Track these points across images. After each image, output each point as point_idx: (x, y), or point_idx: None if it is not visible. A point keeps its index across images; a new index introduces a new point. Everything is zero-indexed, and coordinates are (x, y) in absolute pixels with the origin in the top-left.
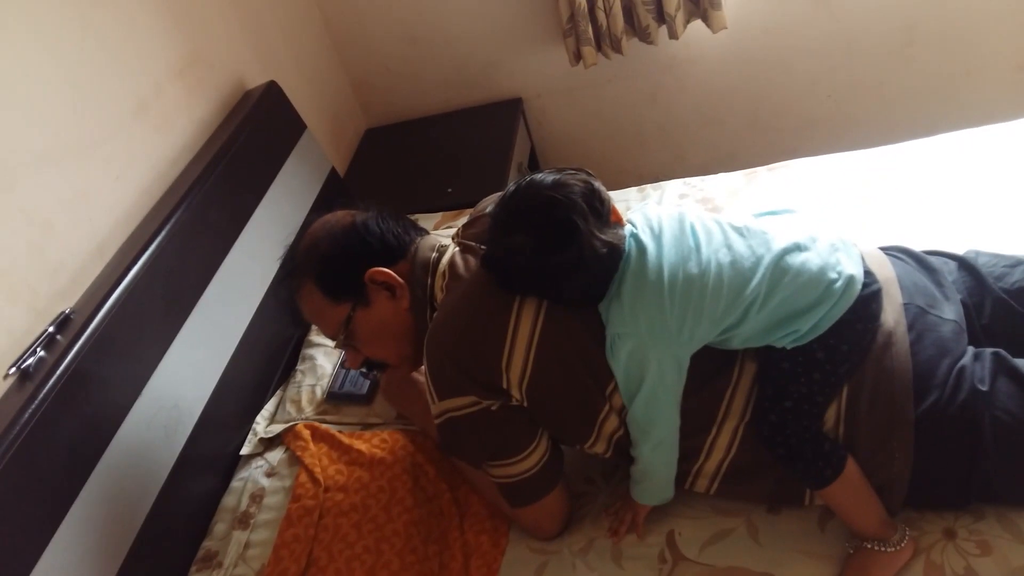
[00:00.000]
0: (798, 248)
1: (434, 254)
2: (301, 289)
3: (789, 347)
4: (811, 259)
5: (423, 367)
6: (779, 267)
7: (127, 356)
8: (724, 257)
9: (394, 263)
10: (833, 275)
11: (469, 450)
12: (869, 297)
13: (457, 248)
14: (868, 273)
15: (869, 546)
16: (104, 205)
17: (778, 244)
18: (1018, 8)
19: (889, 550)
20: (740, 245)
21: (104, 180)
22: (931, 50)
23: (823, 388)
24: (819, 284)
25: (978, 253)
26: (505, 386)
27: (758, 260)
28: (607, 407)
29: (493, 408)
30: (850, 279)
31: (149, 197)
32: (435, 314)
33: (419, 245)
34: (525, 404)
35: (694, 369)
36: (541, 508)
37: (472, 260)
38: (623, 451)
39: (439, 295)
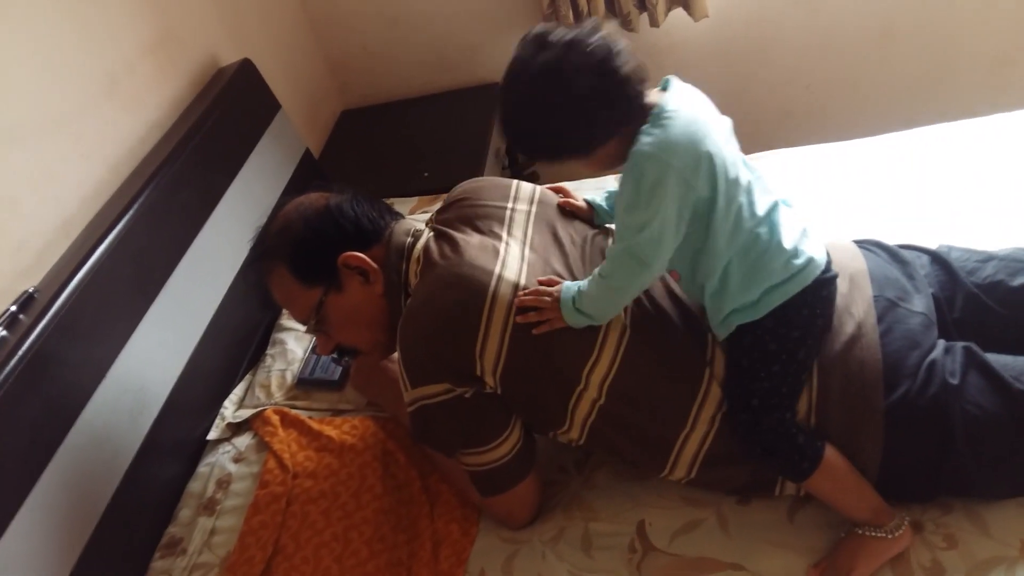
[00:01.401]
0: (781, 207)
1: (409, 239)
2: (272, 272)
3: (739, 323)
4: (787, 225)
5: (395, 354)
6: (771, 210)
7: (92, 337)
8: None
9: (368, 247)
10: (797, 251)
11: (441, 438)
12: (824, 282)
13: (432, 233)
14: (828, 262)
15: (860, 531)
16: (71, 183)
17: (774, 196)
18: (994, 5)
19: (881, 535)
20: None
21: (72, 157)
22: (909, 44)
23: (785, 378)
24: (784, 254)
25: (951, 248)
26: (479, 373)
27: (763, 189)
28: (581, 386)
29: (466, 396)
30: (810, 260)
31: (118, 175)
32: (409, 300)
33: (394, 229)
34: (499, 391)
35: (670, 356)
36: (512, 497)
37: (446, 247)
38: (597, 438)
39: (413, 281)
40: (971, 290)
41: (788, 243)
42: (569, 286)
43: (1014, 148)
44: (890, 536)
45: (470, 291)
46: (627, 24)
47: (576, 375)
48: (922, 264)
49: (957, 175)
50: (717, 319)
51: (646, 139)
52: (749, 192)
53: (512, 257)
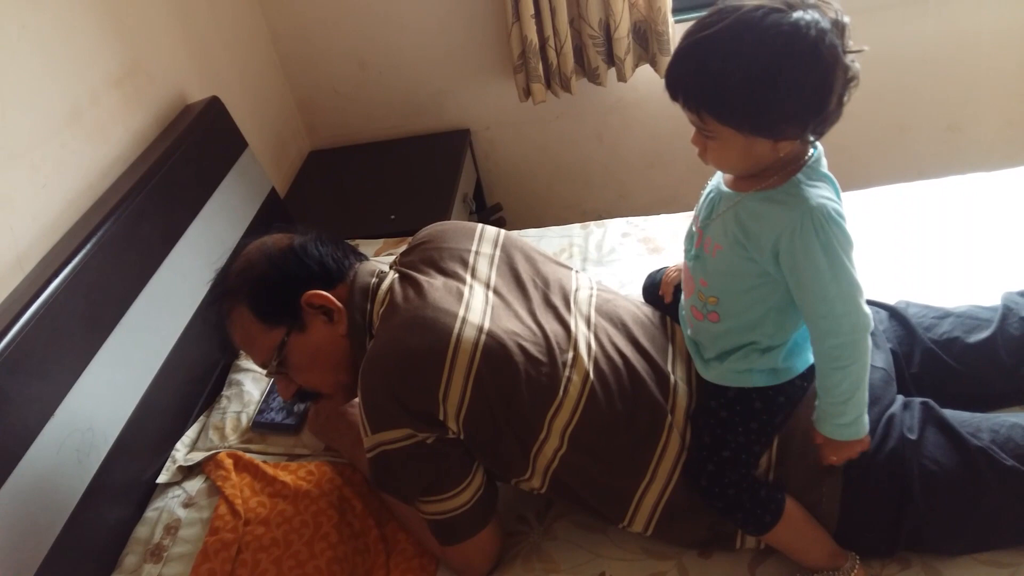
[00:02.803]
0: None
1: (374, 279)
2: (232, 312)
3: (742, 385)
4: None
5: (356, 399)
6: None
7: (40, 374)
8: None
9: (332, 287)
10: None
11: (401, 486)
12: None
13: (396, 275)
14: None
15: None
16: (28, 213)
17: None
18: (945, 74)
19: None
20: None
21: (30, 187)
22: (865, 108)
23: (759, 438)
24: None
25: (908, 303)
26: (442, 417)
27: None
28: (544, 433)
29: (428, 441)
30: None
31: (76, 208)
32: (372, 343)
33: (358, 270)
34: (461, 436)
35: (632, 404)
36: (471, 546)
37: (410, 290)
38: (559, 487)
39: (377, 322)
40: (928, 346)
41: None
42: (825, 425)
43: (966, 209)
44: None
45: (434, 334)
46: (595, 78)
47: (539, 422)
48: (880, 319)
49: (911, 233)
50: (720, 367)
51: (818, 192)
52: None
53: (476, 300)
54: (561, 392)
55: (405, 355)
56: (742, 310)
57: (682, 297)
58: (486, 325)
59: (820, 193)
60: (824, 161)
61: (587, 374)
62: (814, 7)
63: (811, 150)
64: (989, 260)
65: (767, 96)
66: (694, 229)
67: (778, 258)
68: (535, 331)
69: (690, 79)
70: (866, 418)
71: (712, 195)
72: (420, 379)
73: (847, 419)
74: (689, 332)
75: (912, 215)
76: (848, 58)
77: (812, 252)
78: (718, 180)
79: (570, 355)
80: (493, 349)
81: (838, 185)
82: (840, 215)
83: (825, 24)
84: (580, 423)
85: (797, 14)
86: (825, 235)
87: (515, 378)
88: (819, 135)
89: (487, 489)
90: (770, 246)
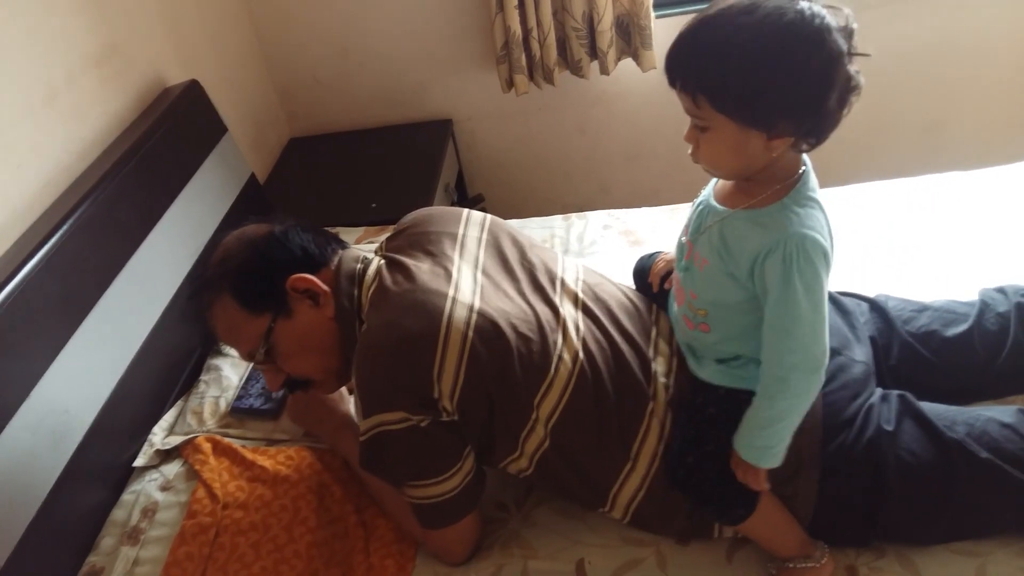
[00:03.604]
0: None
1: (359, 265)
2: (214, 304)
3: (733, 386)
4: None
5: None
6: None
7: (15, 355)
8: None
9: (315, 272)
10: None
11: (391, 468)
12: None
13: (383, 261)
14: None
15: (791, 565)
16: (1, 195)
17: None
18: (924, 73)
19: (811, 565)
20: None
21: (4, 168)
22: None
23: None
24: None
25: (888, 297)
26: (437, 397)
27: None
28: (534, 412)
29: (422, 424)
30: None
31: (52, 189)
32: (364, 327)
33: (342, 256)
34: (455, 417)
35: (617, 390)
36: (454, 532)
37: (399, 274)
38: (545, 468)
39: (366, 307)
40: (906, 339)
41: None
42: (739, 439)
43: (944, 207)
44: (818, 564)
45: (425, 317)
46: (578, 70)
47: (529, 400)
48: (862, 311)
49: (890, 230)
50: (713, 368)
51: (802, 219)
52: None
53: (465, 280)
54: (552, 371)
55: (398, 340)
56: (731, 323)
57: (674, 305)
58: (476, 304)
59: (805, 221)
60: (813, 180)
61: (576, 354)
62: (825, 6)
63: (802, 167)
64: (966, 257)
65: (765, 79)
66: (683, 240)
67: (753, 278)
68: (525, 310)
69: (690, 59)
70: (779, 454)
71: (702, 208)
72: (414, 362)
73: (758, 443)
74: (682, 337)
75: (891, 212)
76: (852, 67)
77: (776, 279)
78: (708, 193)
79: (559, 335)
80: (484, 327)
81: (826, 210)
82: (821, 250)
83: (831, 21)
84: (569, 403)
85: (804, 5)
86: (796, 267)
87: (507, 355)
88: (814, 139)
89: (475, 476)
90: (747, 266)
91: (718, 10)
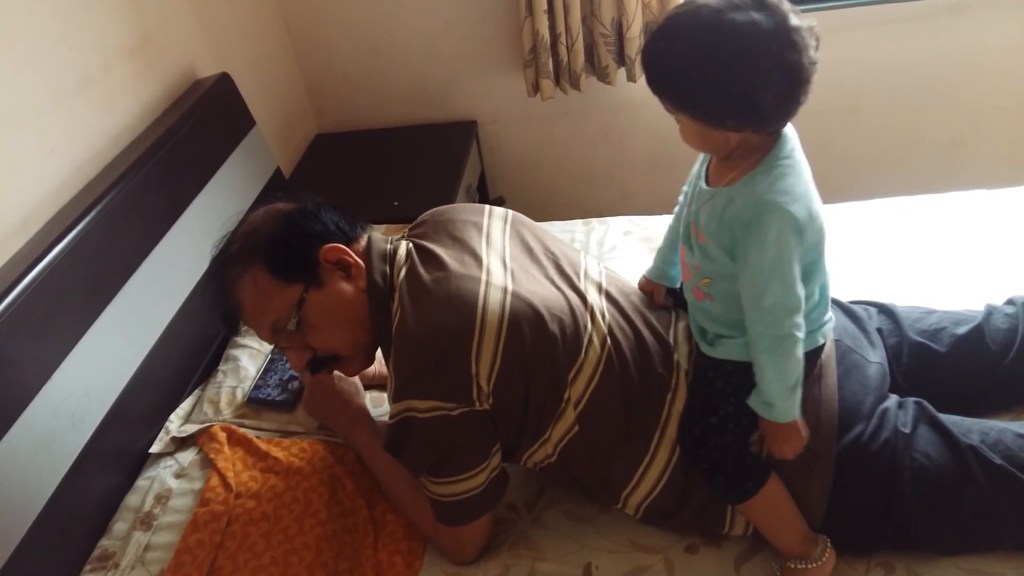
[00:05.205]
0: None
1: (389, 245)
2: (244, 276)
3: (739, 359)
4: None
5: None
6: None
7: (40, 337)
8: None
9: (347, 247)
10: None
11: (413, 455)
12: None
13: (410, 244)
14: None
15: (792, 566)
16: (34, 178)
17: None
18: (948, 92)
19: (812, 566)
20: None
21: (38, 152)
22: (873, 122)
23: (750, 410)
24: (827, 310)
25: (896, 305)
26: (473, 383)
27: None
28: (566, 393)
29: (453, 413)
30: (831, 317)
31: (83, 175)
32: (398, 317)
33: (371, 236)
34: (491, 401)
35: (641, 372)
36: (469, 531)
37: (430, 263)
38: (566, 460)
39: (398, 283)
40: (916, 338)
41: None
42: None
43: (967, 225)
44: (819, 563)
45: (461, 303)
46: (604, 77)
47: (563, 380)
48: (871, 316)
49: (909, 246)
50: (722, 343)
51: (769, 183)
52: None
53: (495, 265)
54: (583, 354)
55: (436, 332)
56: (734, 295)
57: (683, 280)
58: (510, 287)
59: (773, 186)
60: (788, 145)
61: (604, 339)
62: (765, 8)
63: (778, 140)
64: (986, 274)
65: (698, 89)
66: (687, 212)
67: (736, 248)
68: (556, 293)
69: (647, 66)
70: (792, 408)
71: (695, 185)
72: (452, 350)
73: (765, 397)
74: (694, 311)
75: (914, 228)
76: (795, 60)
77: (746, 244)
78: (700, 170)
79: (588, 319)
80: (520, 308)
81: (807, 170)
82: (783, 212)
83: (768, 24)
84: (597, 387)
85: (738, 15)
86: (759, 230)
87: (544, 335)
88: (768, 129)
89: (500, 476)
90: (728, 237)
91: (667, 18)
